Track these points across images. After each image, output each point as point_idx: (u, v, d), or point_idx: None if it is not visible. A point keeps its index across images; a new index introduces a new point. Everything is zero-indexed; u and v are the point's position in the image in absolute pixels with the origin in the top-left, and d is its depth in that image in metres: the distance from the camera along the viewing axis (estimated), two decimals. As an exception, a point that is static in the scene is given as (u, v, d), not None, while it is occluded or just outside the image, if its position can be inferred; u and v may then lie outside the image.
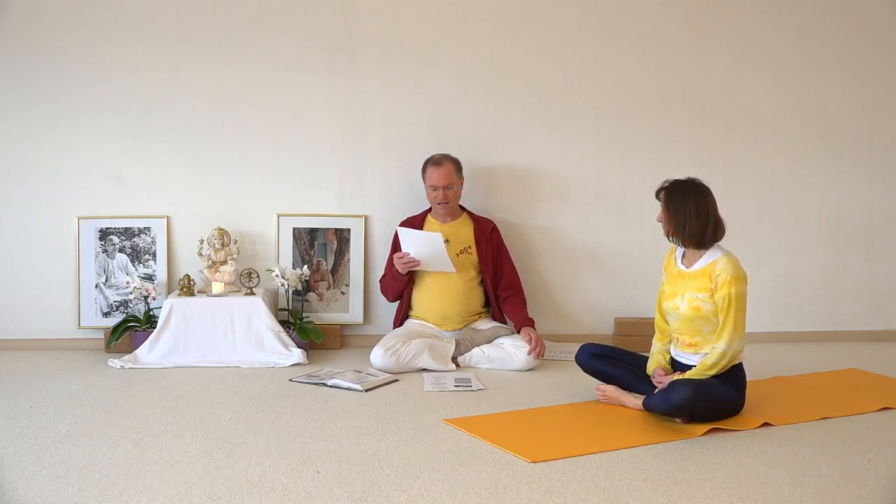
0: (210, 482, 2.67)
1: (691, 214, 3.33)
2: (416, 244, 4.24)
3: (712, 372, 3.27)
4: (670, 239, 3.44)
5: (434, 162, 4.40)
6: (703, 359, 3.32)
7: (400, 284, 4.39)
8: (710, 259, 3.36)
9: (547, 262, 4.85)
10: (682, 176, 3.43)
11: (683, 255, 3.47)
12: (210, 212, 4.65)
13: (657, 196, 3.43)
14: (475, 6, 4.74)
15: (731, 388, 3.31)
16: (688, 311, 3.35)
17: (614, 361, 3.63)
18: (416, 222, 4.49)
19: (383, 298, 4.59)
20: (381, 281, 4.55)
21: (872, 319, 5.05)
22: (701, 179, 3.41)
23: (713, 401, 3.23)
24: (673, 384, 3.26)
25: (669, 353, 3.53)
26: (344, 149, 4.73)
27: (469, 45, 4.74)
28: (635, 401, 3.44)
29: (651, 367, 3.52)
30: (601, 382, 3.62)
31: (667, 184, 3.42)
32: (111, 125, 4.62)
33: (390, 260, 4.50)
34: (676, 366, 3.48)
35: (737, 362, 3.33)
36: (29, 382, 3.89)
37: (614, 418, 3.38)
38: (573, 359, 3.77)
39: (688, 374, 3.32)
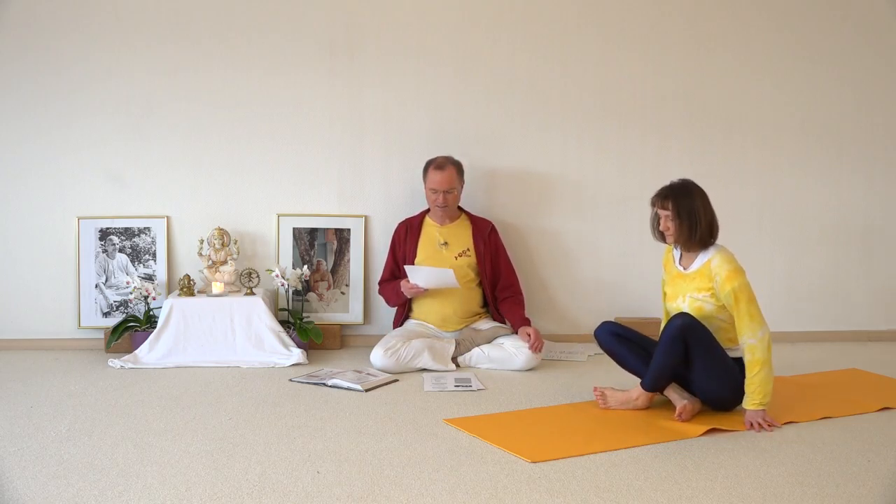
0: (210, 482, 2.67)
1: (700, 216, 3.33)
2: (426, 278, 4.23)
3: (766, 369, 3.22)
4: (677, 245, 3.43)
5: (437, 165, 4.37)
6: (748, 367, 3.26)
7: (402, 300, 4.39)
8: (704, 258, 3.37)
9: (547, 262, 4.85)
10: (675, 178, 3.44)
11: (681, 256, 3.47)
12: (210, 212, 4.65)
13: (661, 205, 3.40)
14: (475, 7, 4.73)
15: (731, 381, 3.32)
16: (690, 312, 3.34)
17: (633, 345, 3.53)
18: (413, 223, 4.48)
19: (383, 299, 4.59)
20: (380, 285, 4.54)
21: (872, 319, 5.05)
22: (690, 179, 3.42)
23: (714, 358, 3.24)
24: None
25: None
26: (344, 149, 4.73)
27: (469, 46, 4.73)
28: (633, 392, 3.42)
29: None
30: (613, 361, 3.60)
31: (666, 191, 3.41)
32: (111, 125, 4.61)
33: (389, 263, 4.50)
34: None
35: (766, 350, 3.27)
36: (29, 382, 3.89)
37: (614, 418, 3.38)
38: (574, 358, 3.77)
39: (749, 391, 3.26)
